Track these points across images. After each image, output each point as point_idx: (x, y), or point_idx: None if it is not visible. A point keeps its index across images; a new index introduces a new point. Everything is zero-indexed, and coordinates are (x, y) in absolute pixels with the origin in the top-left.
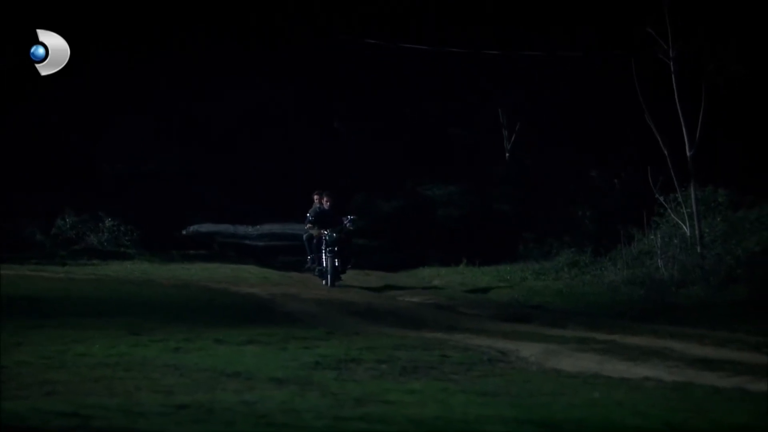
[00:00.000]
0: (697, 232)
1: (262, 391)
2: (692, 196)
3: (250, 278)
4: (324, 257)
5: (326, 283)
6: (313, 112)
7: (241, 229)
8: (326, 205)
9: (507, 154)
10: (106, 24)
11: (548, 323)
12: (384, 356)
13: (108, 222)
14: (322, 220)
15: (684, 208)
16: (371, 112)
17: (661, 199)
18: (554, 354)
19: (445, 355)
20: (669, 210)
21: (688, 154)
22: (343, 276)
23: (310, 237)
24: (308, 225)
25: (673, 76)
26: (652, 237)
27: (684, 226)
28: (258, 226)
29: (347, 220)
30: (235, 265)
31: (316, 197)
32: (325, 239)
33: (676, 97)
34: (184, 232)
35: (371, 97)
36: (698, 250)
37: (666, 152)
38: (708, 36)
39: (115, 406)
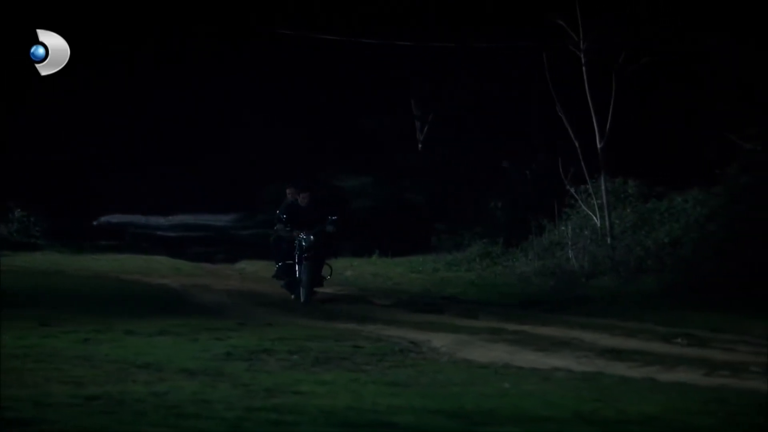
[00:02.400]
0: (607, 223)
1: (172, 382)
2: (602, 187)
3: (161, 269)
4: (297, 266)
5: (299, 297)
6: (224, 104)
7: (153, 220)
8: (303, 201)
9: (420, 145)
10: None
11: (460, 314)
12: (296, 347)
13: (18, 213)
14: (297, 219)
15: (594, 199)
16: (283, 103)
17: (572, 190)
18: (466, 344)
19: (357, 345)
20: (579, 201)
21: (598, 145)
22: (317, 289)
23: (278, 240)
24: (278, 225)
25: (583, 67)
26: (563, 228)
27: (594, 218)
28: (170, 217)
29: (329, 221)
30: (146, 256)
31: (290, 192)
32: (301, 243)
33: (586, 88)
34: (95, 223)
35: (283, 89)
36: (608, 241)
37: (577, 143)
38: (618, 27)
39: (25, 397)
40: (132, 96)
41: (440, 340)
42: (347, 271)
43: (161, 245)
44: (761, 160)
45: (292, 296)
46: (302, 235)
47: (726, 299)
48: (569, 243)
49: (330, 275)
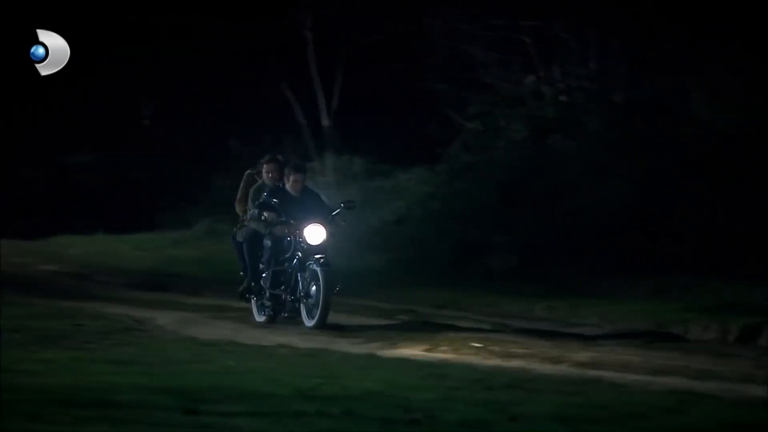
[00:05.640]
0: (333, 201)
1: None
2: (328, 165)
3: None
4: (295, 276)
5: (293, 317)
6: None
7: None
8: (294, 186)
9: (146, 122)
10: None
11: (185, 292)
12: (16, 326)
13: None
14: (288, 209)
15: (321, 177)
16: None
17: None
18: (190, 322)
19: (79, 324)
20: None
21: (324, 123)
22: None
23: (253, 237)
24: (253, 213)
25: (310, 46)
26: None
27: (321, 195)
28: None
29: (344, 207)
30: None
31: (267, 170)
32: (299, 245)
33: (312, 66)
34: None
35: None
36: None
37: (304, 122)
38: (345, 6)
39: None
40: None
41: (165, 318)
42: (70, 249)
43: None
44: (481, 138)
45: (262, 317)
46: (308, 231)
47: (448, 276)
48: None
49: (339, 287)
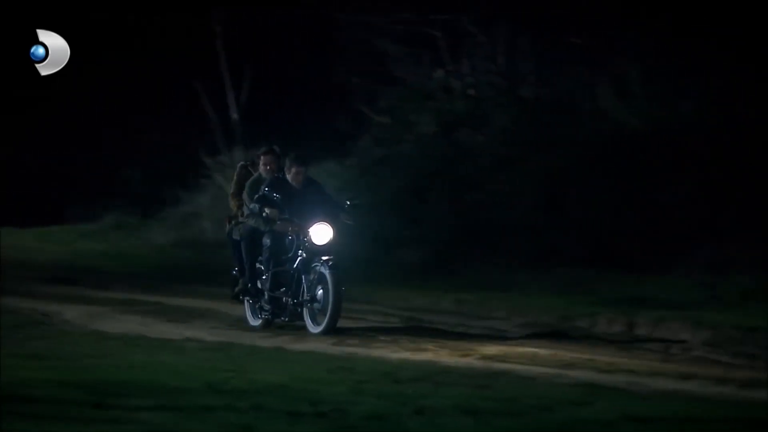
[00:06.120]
0: None
1: None
2: (237, 159)
3: None
4: (298, 278)
5: (293, 320)
6: None
7: None
8: (296, 179)
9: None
10: None
11: (94, 286)
12: None
13: None
14: (291, 204)
15: (231, 170)
16: None
17: (208, 161)
18: (99, 316)
19: None
20: (214, 173)
21: (233, 117)
22: None
23: (251, 235)
24: (254, 208)
25: (219, 39)
26: (199, 199)
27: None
28: None
29: (349, 206)
30: None
31: (264, 162)
32: (303, 245)
33: (222, 59)
34: None
35: None
36: None
37: (213, 115)
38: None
39: None
40: None
41: (73, 312)
42: None
43: None
44: (391, 132)
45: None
46: (314, 231)
47: (358, 270)
48: (205, 214)
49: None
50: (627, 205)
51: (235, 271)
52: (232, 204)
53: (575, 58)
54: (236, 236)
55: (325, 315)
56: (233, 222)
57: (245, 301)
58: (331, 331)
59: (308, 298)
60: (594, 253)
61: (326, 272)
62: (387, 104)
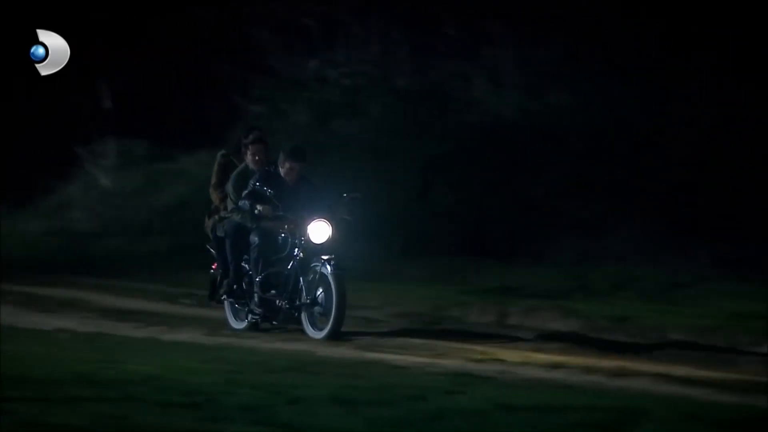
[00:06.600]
0: (115, 184)
1: None
2: (110, 148)
3: None
4: (294, 280)
5: (285, 322)
6: None
7: None
8: (291, 175)
9: None
10: None
11: None
12: None
13: None
14: (283, 200)
15: (104, 160)
16: None
17: (79, 150)
18: None
19: None
20: (87, 162)
21: (106, 106)
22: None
23: (237, 232)
24: (244, 204)
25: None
26: (70, 189)
27: (103, 179)
28: None
29: (347, 201)
30: None
31: (253, 152)
32: (300, 244)
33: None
34: None
35: None
36: (117, 202)
37: (84, 103)
38: None
39: None
40: None
41: None
42: None
43: None
44: (264, 122)
45: (241, 324)
46: (312, 228)
47: None
48: (77, 204)
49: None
50: (498, 194)
51: (213, 269)
52: (214, 197)
53: (449, 49)
54: (220, 233)
55: (327, 318)
56: (216, 217)
57: (226, 303)
58: (336, 335)
59: (308, 301)
60: (466, 242)
61: (328, 272)
62: (261, 94)
